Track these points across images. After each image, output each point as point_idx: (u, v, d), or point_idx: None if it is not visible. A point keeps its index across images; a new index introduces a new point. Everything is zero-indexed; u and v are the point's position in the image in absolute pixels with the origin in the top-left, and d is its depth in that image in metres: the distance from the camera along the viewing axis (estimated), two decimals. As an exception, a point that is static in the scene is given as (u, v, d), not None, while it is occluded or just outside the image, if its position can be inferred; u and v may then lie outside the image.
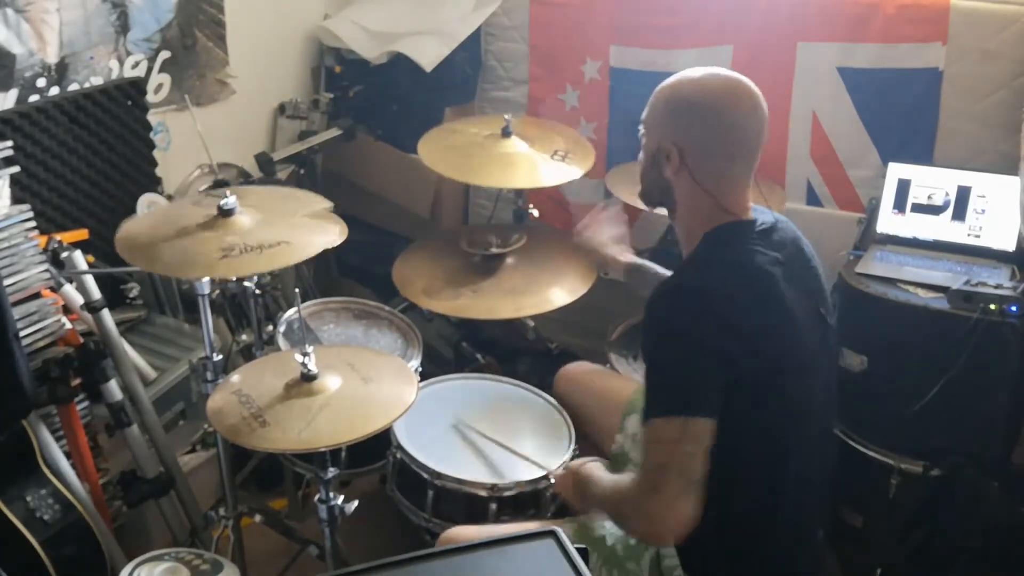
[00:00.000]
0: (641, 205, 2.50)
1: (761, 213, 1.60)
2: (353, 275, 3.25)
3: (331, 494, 1.82)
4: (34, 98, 2.37)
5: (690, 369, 1.44)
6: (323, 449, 1.68)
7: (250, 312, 2.22)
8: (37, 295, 2.00)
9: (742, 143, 1.53)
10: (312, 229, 1.87)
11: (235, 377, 1.82)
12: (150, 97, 2.69)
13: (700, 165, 1.54)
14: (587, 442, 2.07)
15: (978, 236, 2.26)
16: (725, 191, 1.55)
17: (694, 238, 1.58)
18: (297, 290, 1.92)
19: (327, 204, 1.97)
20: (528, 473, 1.91)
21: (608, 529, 1.68)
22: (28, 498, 1.89)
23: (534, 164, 2.46)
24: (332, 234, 1.86)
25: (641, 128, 1.63)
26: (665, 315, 1.49)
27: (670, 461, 1.40)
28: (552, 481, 1.88)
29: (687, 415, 1.41)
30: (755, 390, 1.45)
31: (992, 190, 2.25)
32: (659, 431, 1.43)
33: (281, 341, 2.21)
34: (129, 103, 2.57)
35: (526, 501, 1.93)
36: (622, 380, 2.18)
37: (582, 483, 1.68)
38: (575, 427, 2.05)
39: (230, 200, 1.81)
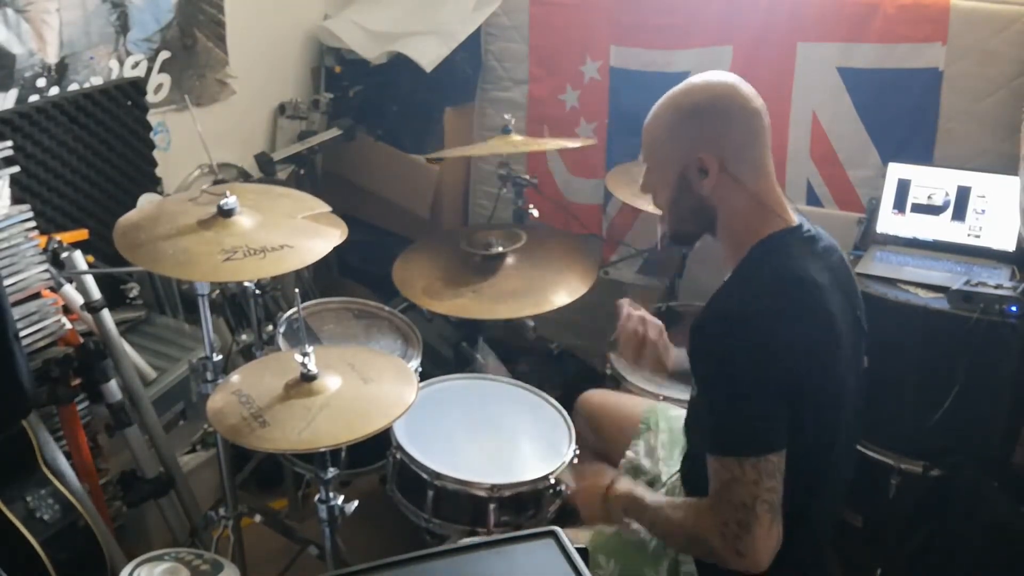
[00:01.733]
0: (640, 205, 2.52)
1: (801, 217, 1.55)
2: (353, 275, 3.25)
3: (331, 494, 1.82)
4: (34, 98, 2.37)
5: (755, 405, 1.40)
6: (323, 449, 1.68)
7: (250, 312, 2.22)
8: (37, 295, 2.00)
9: (761, 125, 1.49)
10: (313, 232, 1.87)
11: (235, 377, 1.81)
12: (150, 97, 2.69)
13: (740, 164, 1.48)
14: (592, 454, 2.05)
15: (978, 236, 2.26)
16: (764, 186, 1.50)
17: (741, 251, 1.51)
18: (297, 290, 1.92)
19: (325, 207, 1.96)
20: (529, 473, 1.92)
21: (625, 536, 1.67)
22: (28, 498, 1.89)
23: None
24: (333, 237, 1.85)
25: (645, 164, 1.57)
26: (719, 348, 1.43)
27: (755, 500, 1.38)
28: (564, 488, 1.87)
29: (761, 454, 1.39)
30: (806, 404, 1.42)
31: (992, 190, 2.25)
32: (735, 471, 1.40)
33: (281, 341, 2.21)
34: (129, 103, 2.57)
35: (526, 501, 1.93)
36: (638, 401, 2.14)
37: (633, 507, 1.60)
38: (594, 448, 2.05)
39: (230, 200, 1.80)
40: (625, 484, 1.64)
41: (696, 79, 1.53)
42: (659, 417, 1.98)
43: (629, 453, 1.96)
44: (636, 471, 1.93)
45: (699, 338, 1.46)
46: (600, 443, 2.07)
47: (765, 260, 1.47)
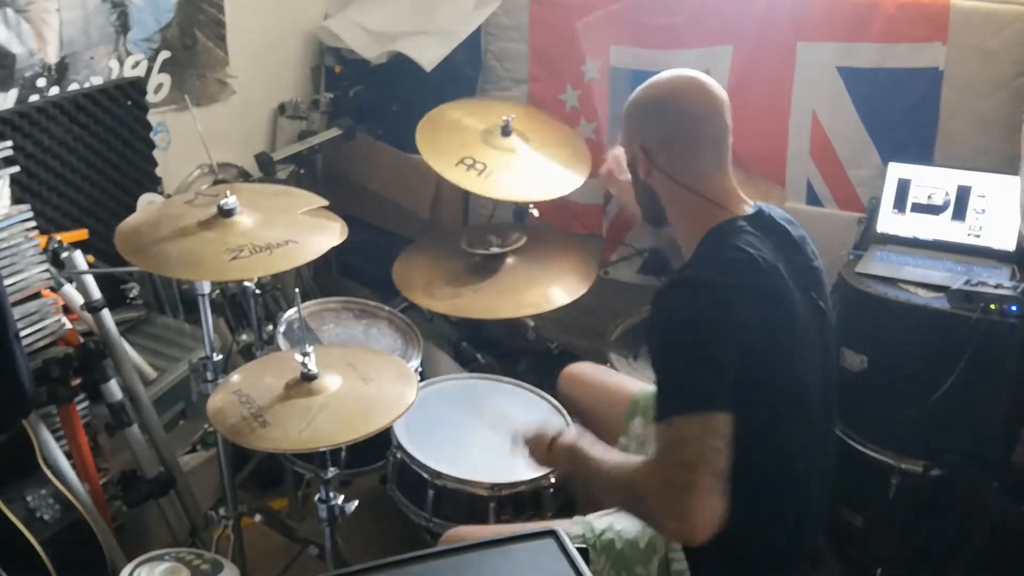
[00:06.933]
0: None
1: (762, 208, 1.59)
2: (353, 275, 3.25)
3: (331, 494, 1.83)
4: (34, 98, 2.37)
5: (703, 363, 1.42)
6: (323, 449, 1.68)
7: (250, 312, 2.22)
8: (37, 295, 2.01)
9: (699, 130, 1.55)
10: (315, 227, 1.87)
11: (235, 377, 1.82)
12: (150, 97, 2.69)
13: (666, 158, 1.57)
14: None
15: (978, 236, 2.26)
16: (702, 182, 1.56)
17: (692, 242, 1.57)
18: (297, 290, 1.93)
19: (321, 202, 1.97)
20: (529, 473, 1.92)
21: (616, 532, 1.68)
22: (28, 498, 1.89)
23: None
24: (334, 232, 1.86)
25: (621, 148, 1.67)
26: (671, 310, 1.48)
27: (698, 459, 1.37)
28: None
29: (707, 411, 1.39)
30: (757, 388, 1.45)
31: (992, 190, 2.25)
32: (681, 430, 1.40)
33: (281, 341, 2.21)
34: (129, 103, 2.57)
35: (526, 501, 1.93)
36: (625, 379, 2.17)
37: (575, 459, 1.61)
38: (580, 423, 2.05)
39: (230, 200, 1.81)
40: (570, 436, 1.64)
41: (662, 75, 1.62)
42: (651, 405, 1.98)
43: (622, 440, 1.96)
44: None
45: (656, 305, 1.51)
46: (584, 417, 2.07)
47: (717, 244, 1.53)
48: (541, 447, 1.68)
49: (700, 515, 1.36)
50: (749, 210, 1.58)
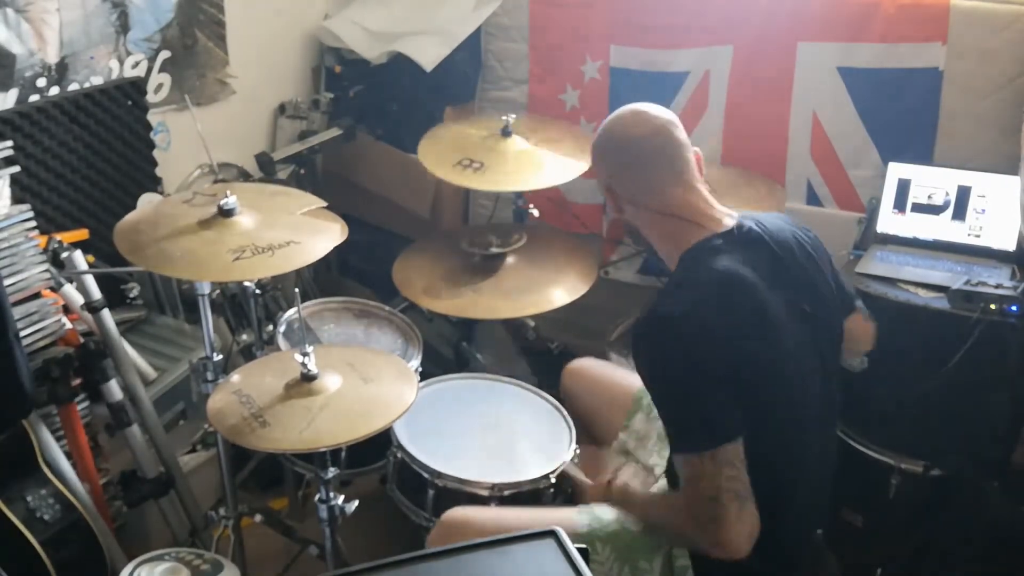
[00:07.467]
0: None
1: (743, 220, 1.60)
2: (353, 275, 3.25)
3: (331, 494, 1.83)
4: (34, 98, 2.37)
5: (699, 401, 1.46)
6: (323, 449, 1.68)
7: (250, 312, 2.22)
8: (37, 295, 2.01)
9: (643, 149, 1.60)
10: (316, 228, 1.87)
11: (235, 377, 1.82)
12: (150, 97, 2.69)
13: (625, 186, 1.64)
14: (588, 436, 2.07)
15: (978, 236, 2.26)
16: (664, 200, 1.59)
17: (674, 262, 1.61)
18: (297, 290, 1.92)
19: (321, 203, 1.97)
20: (529, 472, 1.92)
21: (623, 523, 1.68)
22: (28, 498, 1.89)
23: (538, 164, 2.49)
24: (335, 232, 1.86)
25: None
26: (653, 350, 1.51)
27: (718, 492, 1.43)
28: (569, 490, 1.90)
29: (714, 447, 1.44)
30: (750, 402, 1.46)
31: (992, 190, 2.25)
32: (694, 467, 1.46)
33: (281, 341, 2.21)
34: (129, 103, 2.57)
35: (526, 501, 1.92)
36: (628, 375, 2.16)
37: (625, 500, 1.69)
38: (579, 422, 2.05)
39: (230, 200, 1.81)
40: (623, 477, 1.72)
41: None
42: (653, 403, 1.98)
43: (622, 436, 1.96)
44: (627, 457, 1.94)
45: (637, 344, 1.55)
46: (587, 413, 2.08)
47: (692, 265, 1.56)
48: (599, 493, 1.76)
49: (736, 539, 1.44)
50: (730, 223, 1.58)
